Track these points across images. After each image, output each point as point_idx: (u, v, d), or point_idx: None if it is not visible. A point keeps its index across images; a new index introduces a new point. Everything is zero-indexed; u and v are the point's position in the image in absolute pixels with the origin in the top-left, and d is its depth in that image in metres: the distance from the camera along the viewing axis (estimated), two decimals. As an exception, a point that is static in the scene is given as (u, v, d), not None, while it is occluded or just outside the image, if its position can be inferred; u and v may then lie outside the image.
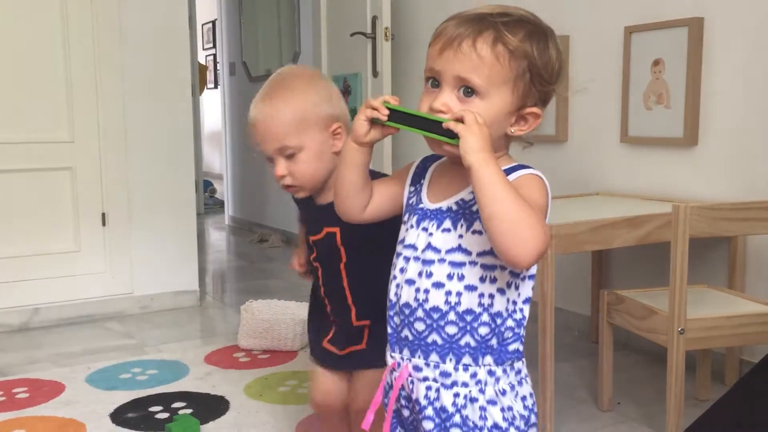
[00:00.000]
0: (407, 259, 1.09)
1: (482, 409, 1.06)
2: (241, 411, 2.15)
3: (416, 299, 1.07)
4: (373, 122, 1.05)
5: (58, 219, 3.11)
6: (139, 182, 3.24)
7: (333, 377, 1.55)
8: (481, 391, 1.06)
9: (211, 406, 2.18)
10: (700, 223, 1.82)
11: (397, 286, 1.10)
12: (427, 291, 1.06)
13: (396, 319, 1.11)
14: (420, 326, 1.07)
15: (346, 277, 1.45)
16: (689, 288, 1.88)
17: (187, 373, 2.47)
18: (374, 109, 1.04)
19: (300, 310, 2.81)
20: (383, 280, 1.37)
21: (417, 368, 1.08)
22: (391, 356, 1.12)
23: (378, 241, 1.37)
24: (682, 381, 1.86)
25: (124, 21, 3.14)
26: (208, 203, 7.00)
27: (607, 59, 2.75)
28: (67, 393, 2.31)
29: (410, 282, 1.08)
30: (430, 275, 1.06)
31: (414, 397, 1.10)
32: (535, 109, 1.05)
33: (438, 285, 1.05)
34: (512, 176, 1.03)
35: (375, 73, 3.48)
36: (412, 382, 1.09)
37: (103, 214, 3.18)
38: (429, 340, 1.07)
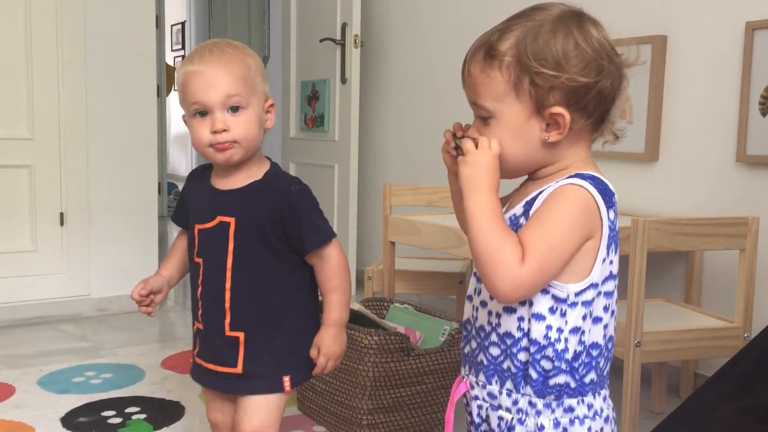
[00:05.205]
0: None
1: None
2: (195, 417, 2.11)
3: (473, 316, 1.06)
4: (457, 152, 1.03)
5: (15, 217, 3.04)
6: (100, 182, 3.19)
7: (221, 396, 1.42)
8: (521, 422, 1.00)
9: (166, 412, 2.14)
10: (659, 237, 1.84)
11: (468, 299, 1.10)
12: (476, 309, 1.05)
13: (464, 332, 1.10)
14: (473, 343, 1.06)
15: (231, 278, 1.31)
16: (646, 301, 1.90)
17: (143, 378, 2.42)
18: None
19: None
20: (269, 289, 1.30)
21: (471, 386, 1.07)
22: (461, 370, 1.11)
23: (273, 245, 1.29)
24: (638, 393, 1.88)
25: (89, 19, 3.09)
26: (173, 206, 6.92)
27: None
28: (18, 396, 2.25)
29: (470, 298, 1.07)
30: (479, 293, 1.05)
31: (472, 414, 1.07)
32: (556, 109, 0.95)
33: (483, 304, 1.04)
34: (551, 188, 0.98)
35: (344, 80, 3.47)
36: (476, 398, 1.06)
37: (62, 214, 3.12)
38: (478, 359, 1.05)
